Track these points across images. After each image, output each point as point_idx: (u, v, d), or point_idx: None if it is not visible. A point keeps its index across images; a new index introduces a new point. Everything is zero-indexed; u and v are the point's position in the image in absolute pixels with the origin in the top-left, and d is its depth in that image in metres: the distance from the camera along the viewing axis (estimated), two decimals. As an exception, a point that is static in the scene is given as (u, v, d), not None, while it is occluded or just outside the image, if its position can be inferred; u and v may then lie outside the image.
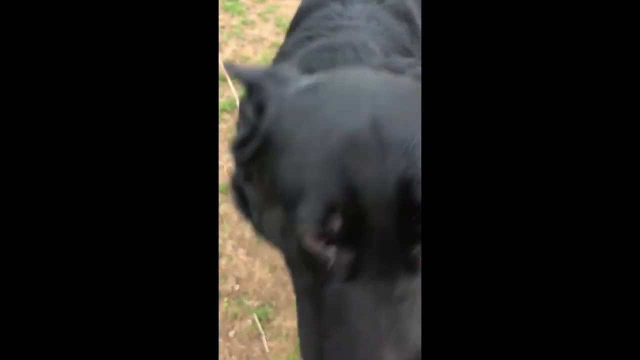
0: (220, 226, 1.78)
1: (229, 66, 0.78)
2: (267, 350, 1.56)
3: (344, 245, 0.55)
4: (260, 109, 0.71)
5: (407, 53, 1.10)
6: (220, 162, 1.92)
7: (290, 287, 1.69)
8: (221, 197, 1.80)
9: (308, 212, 0.56)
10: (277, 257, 1.71)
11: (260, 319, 1.61)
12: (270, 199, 0.67)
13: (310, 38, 1.08)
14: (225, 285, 1.70)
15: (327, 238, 0.56)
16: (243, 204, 0.83)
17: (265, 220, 0.71)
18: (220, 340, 1.56)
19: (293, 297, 1.76)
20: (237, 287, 1.70)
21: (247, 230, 1.78)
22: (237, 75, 0.77)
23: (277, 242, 0.70)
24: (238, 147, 0.76)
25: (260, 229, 0.81)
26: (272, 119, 0.68)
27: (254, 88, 0.74)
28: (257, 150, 0.70)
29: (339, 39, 1.03)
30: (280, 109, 0.68)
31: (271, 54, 2.21)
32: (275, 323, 1.61)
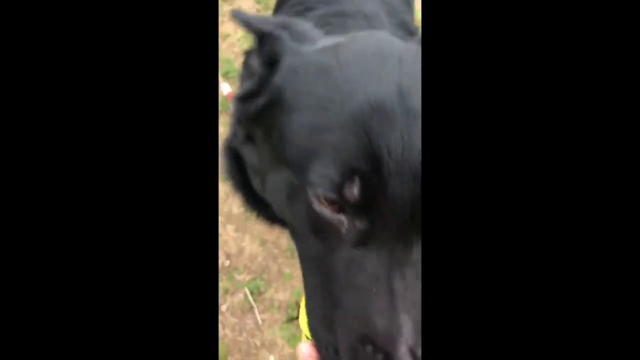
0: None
1: (237, 14, 0.69)
2: (259, 322, 1.60)
3: (358, 212, 0.52)
4: (271, 62, 0.65)
5: (405, 26, 1.09)
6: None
7: (281, 260, 1.73)
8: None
9: (323, 175, 0.52)
10: (267, 232, 1.73)
11: (252, 293, 1.65)
12: (277, 161, 0.61)
13: (307, 9, 1.04)
14: (216, 261, 1.72)
15: (340, 204, 0.52)
16: (235, 170, 0.76)
17: (270, 184, 0.65)
18: (214, 314, 1.60)
19: (284, 269, 1.78)
20: (227, 262, 1.73)
21: (235, 206, 1.79)
22: (247, 24, 0.69)
23: (281, 208, 0.64)
24: (242, 101, 0.68)
25: (255, 197, 0.75)
26: (286, 73, 0.62)
27: (267, 38, 0.66)
28: (264, 106, 0.63)
29: (347, 6, 0.99)
30: (297, 64, 0.62)
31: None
32: (267, 296, 1.65)
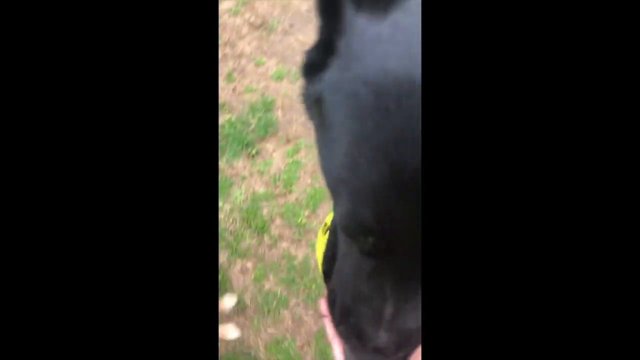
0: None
1: None
2: None
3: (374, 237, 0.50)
4: (328, 41, 0.48)
5: None
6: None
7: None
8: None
9: (342, 212, 0.47)
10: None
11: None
12: (323, 144, 0.50)
13: None
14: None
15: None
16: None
17: (320, 159, 0.53)
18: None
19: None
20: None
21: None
22: None
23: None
24: (306, 71, 0.51)
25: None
26: (330, 76, 0.46)
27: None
28: (315, 101, 0.50)
29: None
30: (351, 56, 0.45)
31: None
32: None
